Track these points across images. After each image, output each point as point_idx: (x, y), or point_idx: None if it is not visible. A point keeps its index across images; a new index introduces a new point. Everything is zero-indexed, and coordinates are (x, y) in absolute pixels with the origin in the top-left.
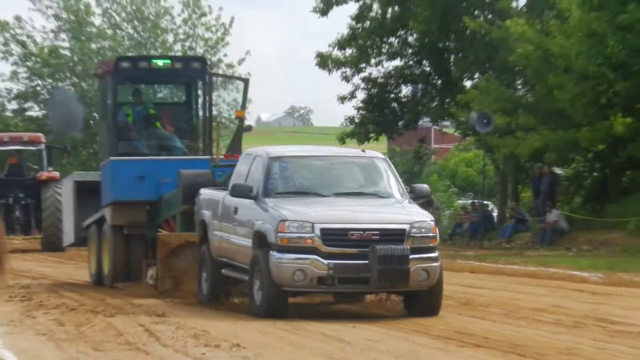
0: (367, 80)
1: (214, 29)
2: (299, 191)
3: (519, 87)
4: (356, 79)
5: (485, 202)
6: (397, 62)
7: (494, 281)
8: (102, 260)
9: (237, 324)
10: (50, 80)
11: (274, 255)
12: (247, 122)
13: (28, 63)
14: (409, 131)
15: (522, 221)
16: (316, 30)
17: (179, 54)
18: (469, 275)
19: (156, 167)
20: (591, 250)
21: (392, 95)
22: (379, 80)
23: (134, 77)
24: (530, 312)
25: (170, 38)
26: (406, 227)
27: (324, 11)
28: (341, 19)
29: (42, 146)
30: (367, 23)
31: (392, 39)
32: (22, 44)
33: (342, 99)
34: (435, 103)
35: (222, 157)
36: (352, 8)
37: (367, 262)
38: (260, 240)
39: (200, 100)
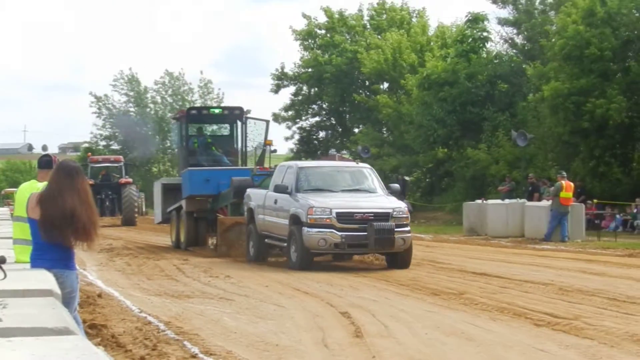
0: (300, 128)
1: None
2: (318, 188)
3: (384, 132)
4: (294, 128)
5: None
6: (317, 119)
7: None
8: (180, 233)
9: (230, 266)
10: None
11: (305, 229)
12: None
13: (111, 120)
14: (325, 156)
15: None
16: (271, 101)
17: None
18: None
19: (216, 174)
20: (425, 222)
21: (314, 137)
22: (307, 128)
23: (198, 119)
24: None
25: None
26: (390, 210)
27: (275, 91)
28: (285, 95)
29: (122, 163)
30: (300, 97)
31: (314, 106)
32: (108, 109)
33: (286, 139)
34: (338, 141)
35: (258, 169)
36: (292, 89)
37: (366, 233)
38: (295, 220)
39: (239, 133)
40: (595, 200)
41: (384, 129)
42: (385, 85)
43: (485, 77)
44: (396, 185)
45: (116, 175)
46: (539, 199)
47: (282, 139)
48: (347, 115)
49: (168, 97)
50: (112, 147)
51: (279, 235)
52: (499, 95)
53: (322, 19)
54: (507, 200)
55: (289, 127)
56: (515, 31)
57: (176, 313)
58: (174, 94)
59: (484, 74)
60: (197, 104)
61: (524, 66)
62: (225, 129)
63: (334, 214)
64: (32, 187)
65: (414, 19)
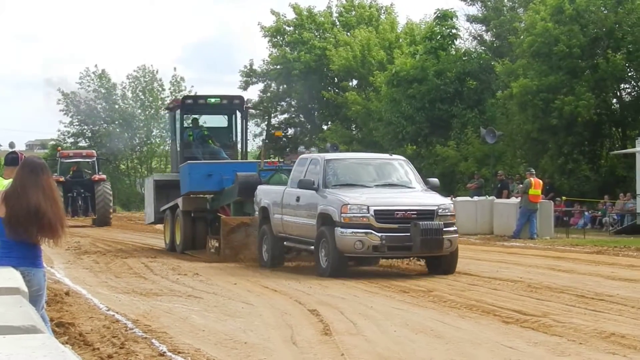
0: (270, 125)
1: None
2: (349, 183)
3: (353, 129)
4: (263, 125)
5: None
6: (286, 115)
7: None
8: (175, 234)
9: (198, 264)
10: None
11: (338, 230)
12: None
13: (78, 117)
14: (294, 153)
15: None
16: None
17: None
18: None
19: (219, 168)
20: None
21: (284, 133)
22: (276, 125)
23: (193, 109)
24: None
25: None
26: (435, 208)
27: (244, 88)
28: (254, 91)
29: (94, 159)
30: (269, 94)
31: (283, 103)
32: (76, 106)
33: (254, 136)
34: (307, 138)
35: (265, 163)
36: (260, 86)
37: (409, 234)
38: (324, 219)
39: (239, 125)
40: (564, 198)
41: (353, 126)
42: (354, 82)
43: (454, 74)
44: (435, 180)
45: (88, 171)
46: (508, 196)
47: (252, 136)
48: (316, 112)
49: (139, 92)
50: (80, 145)
51: (303, 237)
52: (468, 92)
53: (291, 15)
54: (476, 198)
55: (257, 125)
56: (484, 28)
57: (144, 311)
58: (144, 90)
59: (453, 71)
60: (167, 101)
61: (492, 63)
62: (222, 120)
63: (371, 212)
64: None
65: (382, 16)
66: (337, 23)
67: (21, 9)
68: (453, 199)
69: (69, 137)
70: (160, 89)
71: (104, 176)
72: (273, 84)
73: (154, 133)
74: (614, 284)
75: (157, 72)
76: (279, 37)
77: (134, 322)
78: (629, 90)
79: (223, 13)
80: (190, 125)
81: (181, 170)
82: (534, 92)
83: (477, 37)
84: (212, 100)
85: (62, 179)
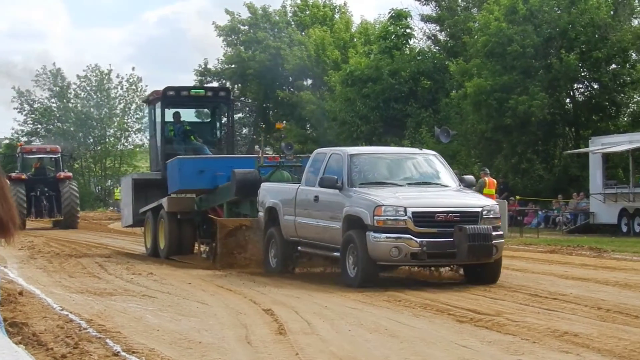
0: (223, 125)
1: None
2: (378, 181)
3: (308, 128)
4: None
5: None
6: (241, 115)
7: None
8: (158, 238)
9: (152, 264)
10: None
11: (371, 235)
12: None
13: (33, 115)
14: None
15: None
16: None
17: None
18: None
19: (212, 164)
20: None
21: (237, 133)
22: (229, 125)
23: (175, 101)
24: None
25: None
26: (479, 210)
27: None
28: None
29: (59, 155)
30: None
31: (237, 102)
32: (30, 104)
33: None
34: (261, 137)
35: (266, 159)
36: (215, 85)
37: (452, 239)
38: (352, 222)
39: (224, 120)
40: (517, 197)
41: (308, 125)
42: (309, 81)
43: (409, 74)
44: (470, 177)
45: (51, 168)
46: None
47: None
48: (271, 112)
49: (92, 92)
50: (34, 144)
51: (324, 243)
52: (422, 92)
53: (246, 14)
54: None
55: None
56: (438, 28)
57: (98, 311)
58: (98, 89)
59: (407, 70)
60: (123, 101)
61: (446, 63)
62: (205, 115)
63: (409, 214)
64: None
65: (337, 16)
66: (292, 22)
67: None
68: None
69: (22, 136)
70: (117, 88)
71: (70, 174)
72: (228, 83)
73: (109, 133)
74: (568, 283)
75: (111, 71)
76: (233, 37)
77: (88, 321)
78: (582, 90)
79: (177, 12)
80: (171, 119)
81: (170, 166)
82: (488, 92)
83: (432, 36)
84: (198, 92)
85: (24, 176)
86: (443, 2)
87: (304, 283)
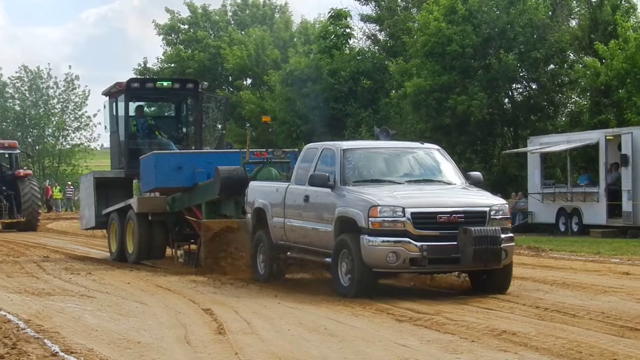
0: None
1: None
2: (374, 179)
3: (248, 127)
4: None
5: None
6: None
7: None
8: (126, 241)
9: (92, 264)
10: None
11: (365, 238)
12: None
13: None
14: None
15: None
16: None
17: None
18: None
19: (191, 159)
20: None
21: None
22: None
23: (141, 95)
24: None
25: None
26: (486, 209)
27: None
28: None
29: (17, 151)
30: None
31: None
32: None
33: None
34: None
35: (252, 154)
36: None
37: (455, 243)
38: (345, 225)
39: (191, 114)
40: None
41: (247, 125)
42: (249, 81)
43: (348, 74)
44: (477, 174)
45: (7, 165)
46: None
47: None
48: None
49: (26, 92)
50: None
51: (314, 247)
52: (362, 92)
53: (186, 13)
54: None
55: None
56: (377, 28)
57: (36, 311)
58: (31, 89)
59: (347, 70)
60: (62, 100)
61: (386, 63)
62: (168, 109)
63: (408, 215)
64: None
65: (277, 15)
66: (232, 22)
67: None
68: None
69: None
70: (54, 87)
71: (30, 172)
72: None
73: (47, 132)
74: None
75: (49, 70)
76: (173, 35)
77: (26, 322)
78: (521, 90)
79: (115, 10)
80: (134, 114)
81: (144, 162)
82: (427, 92)
83: (371, 36)
84: (165, 83)
85: None
86: (383, 2)
87: (242, 281)
